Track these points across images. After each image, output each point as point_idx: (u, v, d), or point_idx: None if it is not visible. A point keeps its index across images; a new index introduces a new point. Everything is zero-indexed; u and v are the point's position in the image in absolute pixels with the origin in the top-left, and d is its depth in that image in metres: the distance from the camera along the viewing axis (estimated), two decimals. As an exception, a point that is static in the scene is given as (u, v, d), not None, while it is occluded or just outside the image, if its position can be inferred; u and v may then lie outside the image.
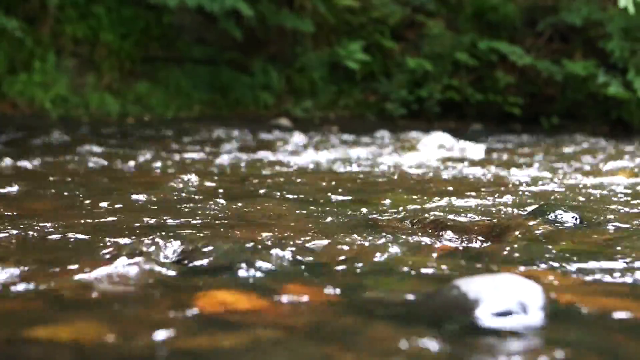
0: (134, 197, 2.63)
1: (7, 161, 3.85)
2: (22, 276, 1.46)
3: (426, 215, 2.24)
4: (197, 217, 2.18)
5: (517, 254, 1.74)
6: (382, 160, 4.50)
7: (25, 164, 3.81)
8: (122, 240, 1.78)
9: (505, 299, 1.21)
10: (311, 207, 2.44)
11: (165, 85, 9.14)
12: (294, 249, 1.69)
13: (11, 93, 7.97)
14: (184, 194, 2.72)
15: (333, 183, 3.25)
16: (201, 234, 1.86)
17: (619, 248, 1.79)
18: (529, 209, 2.32)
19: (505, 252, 1.77)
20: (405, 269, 1.60)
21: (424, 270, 1.59)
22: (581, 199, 2.75)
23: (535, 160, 4.72)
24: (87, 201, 2.51)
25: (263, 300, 1.33)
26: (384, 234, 1.92)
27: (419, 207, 2.46)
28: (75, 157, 4.29)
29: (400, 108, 9.90)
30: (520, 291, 1.23)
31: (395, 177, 3.57)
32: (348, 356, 1.05)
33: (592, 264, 1.63)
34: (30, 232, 1.87)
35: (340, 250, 1.71)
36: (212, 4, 8.09)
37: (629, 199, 2.76)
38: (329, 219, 2.21)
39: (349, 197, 2.74)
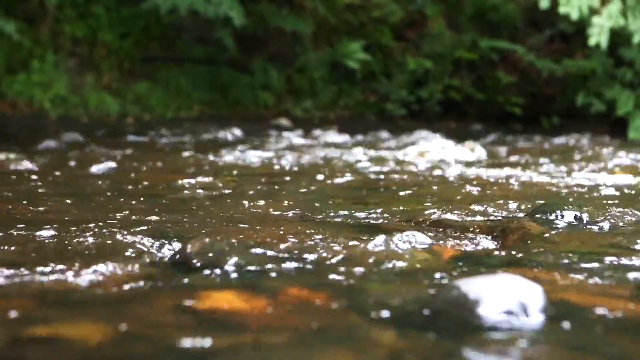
0: (133, 197, 2.63)
1: (7, 161, 3.85)
2: (22, 276, 1.46)
3: (426, 215, 2.23)
4: (197, 217, 2.18)
5: (517, 254, 1.74)
6: (381, 160, 4.50)
7: (24, 164, 3.81)
8: (122, 240, 1.77)
9: (506, 299, 1.20)
10: (311, 208, 2.44)
11: (164, 85, 9.14)
12: (294, 249, 1.69)
13: (10, 93, 7.96)
14: (183, 194, 2.72)
15: (333, 183, 3.24)
16: (201, 234, 1.85)
17: (619, 248, 1.79)
18: (530, 208, 2.32)
19: (505, 252, 1.77)
20: (405, 269, 1.59)
21: (424, 271, 1.58)
22: (581, 198, 2.75)
23: (536, 160, 4.71)
24: (87, 201, 2.51)
25: (263, 301, 1.32)
26: (384, 234, 1.91)
27: (419, 207, 2.46)
28: (74, 157, 4.29)
29: (400, 108, 9.90)
30: (520, 292, 1.22)
31: (395, 177, 3.57)
32: (348, 358, 1.05)
33: (592, 264, 1.63)
34: (30, 232, 1.86)
35: (340, 250, 1.70)
36: (206, 7, 8.09)
37: (629, 198, 2.76)
38: (328, 220, 2.21)
39: (349, 198, 2.73)
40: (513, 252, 1.76)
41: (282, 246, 1.71)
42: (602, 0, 7.17)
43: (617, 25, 7.08)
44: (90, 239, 1.80)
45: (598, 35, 7.05)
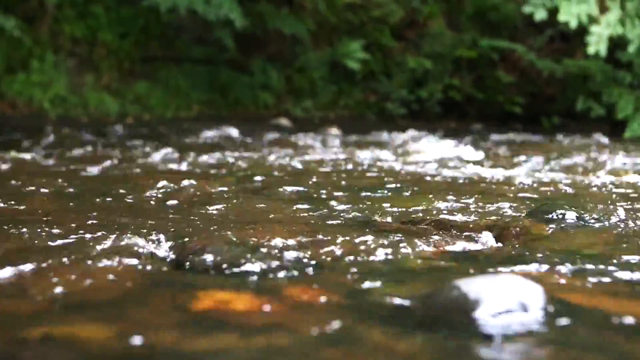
0: (134, 197, 2.63)
1: (7, 161, 3.85)
2: (22, 276, 1.46)
3: (426, 215, 2.23)
4: (197, 217, 2.18)
5: (517, 254, 1.74)
6: (381, 160, 4.50)
7: (24, 164, 3.81)
8: (122, 240, 1.77)
9: (506, 299, 1.20)
10: (311, 207, 2.44)
11: (164, 85, 9.14)
12: (294, 249, 1.69)
13: (10, 93, 7.97)
14: (183, 194, 2.72)
15: (333, 183, 3.24)
16: (201, 234, 1.85)
17: (619, 248, 1.79)
18: (530, 208, 2.32)
19: (505, 252, 1.77)
20: (406, 269, 1.59)
21: (424, 271, 1.58)
22: (581, 198, 2.75)
23: (536, 160, 4.71)
24: (87, 201, 2.51)
25: (262, 300, 1.32)
26: (384, 234, 1.91)
27: (419, 207, 2.45)
28: (75, 157, 4.29)
29: (400, 108, 9.91)
30: (520, 291, 1.22)
31: (395, 177, 3.57)
32: (348, 358, 1.05)
33: (592, 264, 1.63)
34: (30, 232, 1.86)
35: (340, 250, 1.70)
36: (207, 10, 8.11)
37: (629, 198, 2.76)
38: (328, 219, 2.21)
39: (349, 198, 2.73)
40: (513, 252, 1.76)
41: (281, 246, 1.71)
42: (601, 9, 7.25)
43: (615, 33, 7.18)
44: (88, 240, 1.80)
45: (596, 44, 7.17)
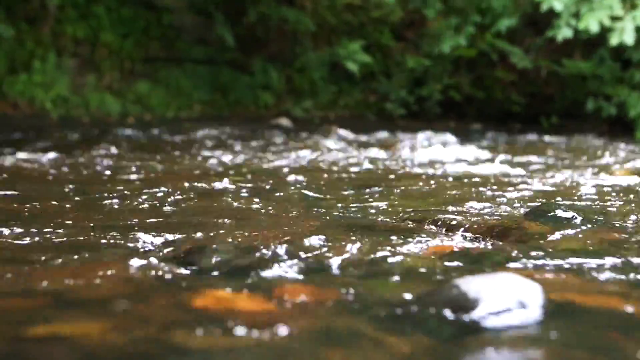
0: (134, 197, 2.63)
1: (9, 161, 3.86)
2: (23, 275, 1.47)
3: (426, 215, 2.24)
4: (197, 217, 2.18)
5: (517, 254, 1.74)
6: (381, 160, 4.51)
7: (26, 164, 3.82)
8: (123, 240, 1.78)
9: (505, 298, 1.21)
10: (310, 207, 2.45)
11: (165, 85, 9.14)
12: (293, 249, 1.69)
13: (12, 93, 7.97)
14: (183, 194, 2.73)
15: (333, 183, 3.25)
16: (201, 234, 1.86)
17: (618, 247, 1.79)
18: (529, 208, 2.33)
19: (505, 252, 1.77)
20: (405, 268, 1.60)
21: (423, 270, 1.59)
22: (581, 198, 2.76)
23: (535, 160, 4.72)
24: (88, 202, 2.52)
25: (263, 300, 1.33)
26: (383, 233, 1.92)
27: (418, 206, 2.46)
28: (75, 157, 4.30)
29: (400, 108, 9.90)
30: (520, 290, 1.23)
31: (395, 177, 3.57)
32: (348, 357, 1.06)
33: (592, 263, 1.63)
34: (32, 232, 1.87)
35: (339, 250, 1.71)
36: None
37: (628, 198, 2.77)
38: (328, 219, 2.22)
39: (349, 197, 2.74)
40: (512, 252, 1.77)
41: (282, 245, 1.71)
42: (628, 7, 7.17)
43: None
44: (90, 239, 1.81)
45: (619, 35, 7.08)
